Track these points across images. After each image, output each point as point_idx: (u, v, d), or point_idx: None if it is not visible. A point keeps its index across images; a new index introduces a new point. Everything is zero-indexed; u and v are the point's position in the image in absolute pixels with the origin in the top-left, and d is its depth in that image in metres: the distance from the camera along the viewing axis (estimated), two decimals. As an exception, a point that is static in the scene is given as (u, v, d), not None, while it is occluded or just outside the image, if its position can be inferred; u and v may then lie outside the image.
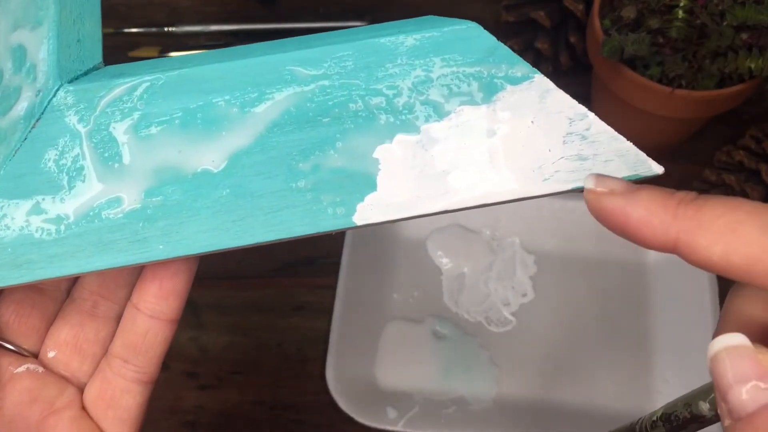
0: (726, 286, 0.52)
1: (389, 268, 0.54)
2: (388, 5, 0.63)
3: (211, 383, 0.52)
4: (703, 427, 0.24)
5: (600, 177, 0.23)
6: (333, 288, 0.51)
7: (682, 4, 0.46)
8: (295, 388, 0.52)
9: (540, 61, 0.57)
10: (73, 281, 0.30)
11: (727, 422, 0.20)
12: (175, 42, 0.63)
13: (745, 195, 0.51)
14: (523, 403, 0.50)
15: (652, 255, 0.54)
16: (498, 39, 0.26)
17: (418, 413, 0.49)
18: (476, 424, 0.49)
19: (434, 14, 0.28)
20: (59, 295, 0.30)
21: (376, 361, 0.52)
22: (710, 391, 0.23)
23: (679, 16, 0.46)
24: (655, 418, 0.25)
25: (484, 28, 0.26)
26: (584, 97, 0.25)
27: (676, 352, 0.51)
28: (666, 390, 0.50)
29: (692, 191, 0.22)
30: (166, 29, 0.63)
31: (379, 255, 0.54)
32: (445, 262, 0.55)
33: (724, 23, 0.45)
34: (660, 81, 0.47)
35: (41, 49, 0.26)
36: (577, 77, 0.57)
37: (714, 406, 0.23)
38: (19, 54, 0.27)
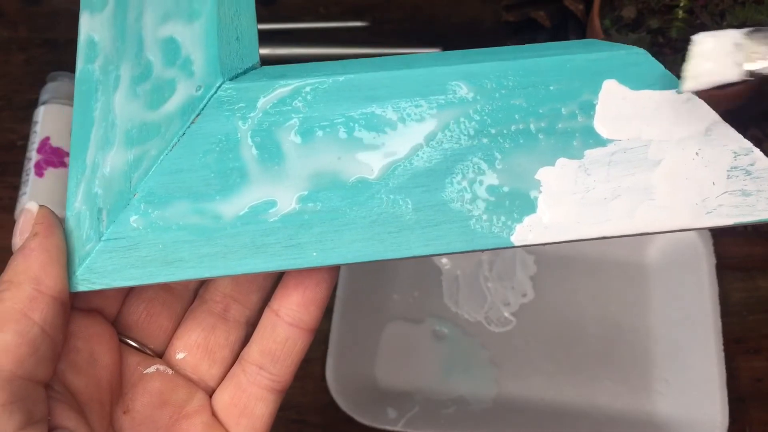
0: (726, 286, 0.52)
1: (389, 268, 0.54)
2: (387, 5, 0.63)
3: (211, 383, 0.52)
4: None
5: None
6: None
7: (682, 4, 0.46)
8: (295, 388, 0.52)
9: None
10: (201, 282, 0.29)
11: None
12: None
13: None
14: (523, 403, 0.50)
15: (652, 255, 0.54)
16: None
17: (418, 413, 0.49)
18: (476, 424, 0.49)
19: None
20: (187, 296, 0.29)
21: (376, 361, 0.52)
22: None
23: (679, 16, 0.46)
24: None
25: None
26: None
27: (676, 352, 0.51)
28: (666, 390, 0.50)
29: None
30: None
31: (379, 255, 0.54)
32: (444, 262, 0.55)
33: (724, 23, 0.45)
34: (660, 81, 0.47)
35: (200, 44, 0.25)
36: (577, 77, 0.56)
37: None
38: (172, 47, 0.26)
